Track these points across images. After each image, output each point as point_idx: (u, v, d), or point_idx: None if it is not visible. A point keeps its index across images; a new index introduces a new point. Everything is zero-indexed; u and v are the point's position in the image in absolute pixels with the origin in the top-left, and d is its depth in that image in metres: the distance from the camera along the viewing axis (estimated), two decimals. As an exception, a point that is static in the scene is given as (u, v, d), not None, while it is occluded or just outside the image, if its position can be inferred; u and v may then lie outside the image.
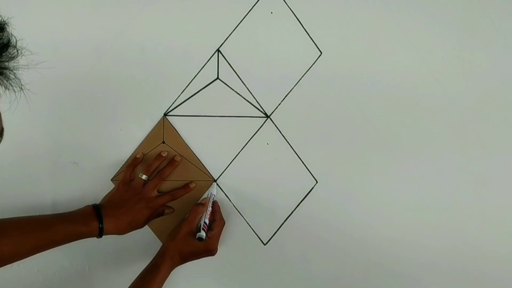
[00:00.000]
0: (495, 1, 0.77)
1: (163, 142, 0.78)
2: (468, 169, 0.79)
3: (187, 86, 0.77)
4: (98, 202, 0.75)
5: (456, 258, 0.80)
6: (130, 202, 0.73)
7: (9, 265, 0.78)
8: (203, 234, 0.71)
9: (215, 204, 0.77)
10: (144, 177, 0.75)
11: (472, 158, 0.79)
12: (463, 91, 0.78)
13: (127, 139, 0.78)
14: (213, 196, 0.77)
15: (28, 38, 0.76)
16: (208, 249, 0.74)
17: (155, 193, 0.75)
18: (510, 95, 0.78)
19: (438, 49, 0.77)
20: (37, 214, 0.75)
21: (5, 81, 0.41)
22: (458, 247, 0.80)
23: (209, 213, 0.75)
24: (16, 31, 0.70)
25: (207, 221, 0.74)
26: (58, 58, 0.75)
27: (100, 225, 0.70)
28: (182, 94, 0.77)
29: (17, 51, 0.42)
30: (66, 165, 0.77)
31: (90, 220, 0.70)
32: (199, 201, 0.78)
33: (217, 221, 0.76)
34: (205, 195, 0.79)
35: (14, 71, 0.42)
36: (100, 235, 0.70)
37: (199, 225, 0.73)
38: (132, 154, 0.78)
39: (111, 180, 0.78)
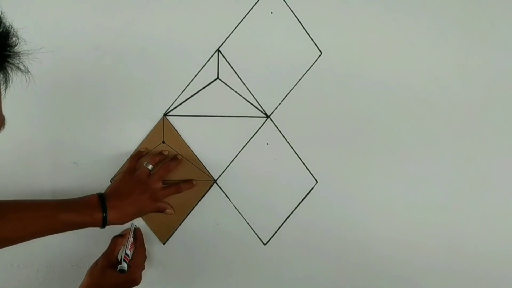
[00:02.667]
0: (495, 1, 0.77)
1: (163, 142, 0.78)
2: (468, 169, 0.79)
3: (187, 86, 0.77)
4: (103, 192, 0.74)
5: (456, 259, 0.80)
6: (135, 192, 0.72)
7: (9, 265, 0.78)
8: (124, 265, 0.69)
9: (137, 232, 0.76)
10: (150, 166, 0.75)
11: (472, 158, 0.79)
12: (463, 91, 0.78)
13: (127, 139, 0.78)
14: (133, 225, 0.76)
15: (28, 38, 0.76)
16: (129, 279, 0.71)
17: (160, 184, 0.75)
18: (510, 95, 0.78)
19: (438, 49, 0.77)
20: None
21: (12, 67, 0.45)
22: (458, 248, 0.80)
23: (130, 243, 0.73)
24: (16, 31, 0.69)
25: (128, 252, 0.72)
26: (58, 58, 0.75)
27: (104, 215, 0.69)
28: (182, 94, 0.77)
29: (17, 38, 0.45)
30: (66, 165, 0.77)
31: (95, 211, 0.69)
32: (120, 233, 0.75)
33: (137, 249, 0.75)
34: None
35: (18, 57, 0.45)
36: (103, 225, 0.70)
37: (120, 257, 0.71)
38: (132, 154, 0.78)
39: (111, 180, 0.78)
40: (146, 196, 0.73)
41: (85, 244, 0.78)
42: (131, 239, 0.74)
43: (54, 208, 0.68)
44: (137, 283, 0.72)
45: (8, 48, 0.43)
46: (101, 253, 0.73)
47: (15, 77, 0.46)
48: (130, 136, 0.77)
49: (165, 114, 0.78)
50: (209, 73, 0.77)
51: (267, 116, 0.78)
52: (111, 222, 0.70)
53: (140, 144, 0.78)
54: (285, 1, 0.76)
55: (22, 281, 0.79)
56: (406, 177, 0.79)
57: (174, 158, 0.77)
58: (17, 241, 0.66)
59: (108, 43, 0.75)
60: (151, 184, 0.74)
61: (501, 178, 0.79)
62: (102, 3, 0.75)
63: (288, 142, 0.79)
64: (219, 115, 0.78)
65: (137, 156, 0.77)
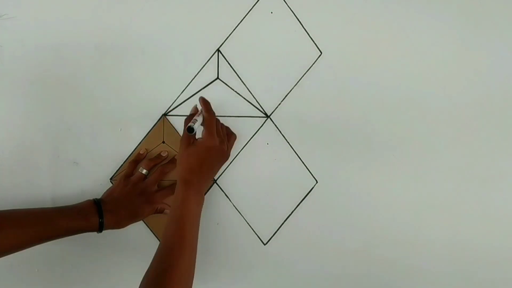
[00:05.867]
0: (495, 1, 0.77)
1: (163, 142, 0.78)
2: (468, 169, 0.79)
3: (187, 86, 0.77)
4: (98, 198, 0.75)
5: (456, 258, 0.80)
6: (130, 196, 0.73)
7: (9, 265, 0.78)
8: (192, 124, 0.68)
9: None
10: (144, 171, 0.75)
11: (473, 157, 0.79)
12: (463, 91, 0.78)
13: (127, 139, 0.78)
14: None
15: (28, 38, 0.76)
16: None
17: (155, 188, 0.75)
18: (511, 94, 0.78)
19: (438, 49, 0.77)
20: (37, 214, 0.75)
21: None
22: (459, 247, 0.80)
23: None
24: (17, 31, 0.70)
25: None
26: (58, 58, 0.75)
27: (100, 220, 0.69)
28: (182, 94, 0.77)
29: None
30: (66, 165, 0.77)
31: (90, 215, 0.69)
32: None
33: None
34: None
35: None
36: (100, 230, 0.70)
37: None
38: (132, 153, 0.78)
39: (110, 179, 0.78)
40: (141, 199, 0.73)
41: (85, 245, 0.78)
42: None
43: (49, 215, 0.69)
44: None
45: None
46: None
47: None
48: (130, 136, 0.77)
49: (165, 114, 0.78)
50: (209, 73, 0.77)
51: (267, 116, 0.78)
52: (108, 227, 0.70)
53: (140, 144, 0.78)
54: (285, 1, 0.76)
55: (22, 281, 0.79)
56: (406, 177, 0.79)
57: (171, 161, 0.77)
58: (14, 250, 0.66)
59: (108, 43, 0.75)
60: (146, 188, 0.74)
61: (501, 177, 0.79)
62: (102, 3, 0.75)
63: (288, 142, 0.79)
64: (219, 115, 0.78)
65: (135, 160, 0.77)
